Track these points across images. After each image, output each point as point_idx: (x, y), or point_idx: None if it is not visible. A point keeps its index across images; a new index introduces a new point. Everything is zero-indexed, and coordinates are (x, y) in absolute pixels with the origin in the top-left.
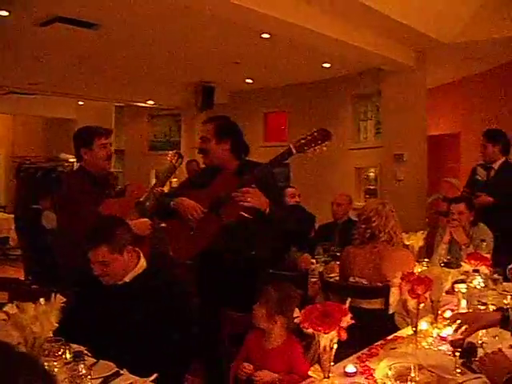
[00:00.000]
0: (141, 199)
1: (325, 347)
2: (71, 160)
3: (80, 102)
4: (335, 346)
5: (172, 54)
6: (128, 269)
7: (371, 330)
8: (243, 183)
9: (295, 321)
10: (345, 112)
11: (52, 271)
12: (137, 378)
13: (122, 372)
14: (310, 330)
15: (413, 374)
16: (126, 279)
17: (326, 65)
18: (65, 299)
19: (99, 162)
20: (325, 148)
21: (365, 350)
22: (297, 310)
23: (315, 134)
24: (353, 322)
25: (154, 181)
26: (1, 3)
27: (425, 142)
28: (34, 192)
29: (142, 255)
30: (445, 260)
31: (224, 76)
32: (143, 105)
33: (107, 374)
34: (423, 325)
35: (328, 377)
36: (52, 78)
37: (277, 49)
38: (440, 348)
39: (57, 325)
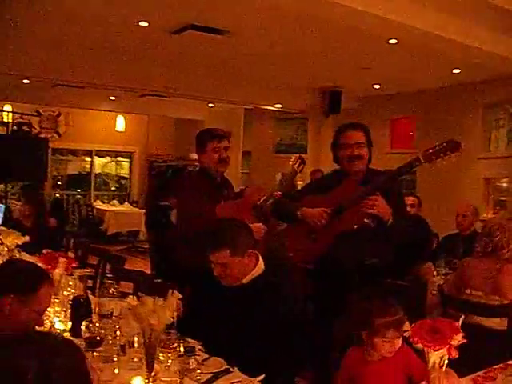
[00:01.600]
0: (258, 202)
1: (434, 364)
2: None
3: (210, 105)
4: (446, 363)
5: (300, 59)
6: (247, 271)
7: (489, 351)
8: (369, 190)
9: (405, 334)
10: (474, 119)
11: (176, 267)
12: (245, 376)
13: (232, 370)
14: (420, 346)
15: None
16: (244, 281)
17: (456, 70)
18: (181, 296)
19: (211, 164)
20: (454, 159)
21: (481, 373)
22: (407, 323)
23: (444, 144)
24: (464, 341)
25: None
26: (142, 14)
27: None
28: (164, 189)
29: (260, 258)
30: None
31: (351, 81)
32: (271, 108)
33: (217, 370)
34: None
35: None
36: (185, 81)
37: (404, 54)
38: None
39: (172, 319)
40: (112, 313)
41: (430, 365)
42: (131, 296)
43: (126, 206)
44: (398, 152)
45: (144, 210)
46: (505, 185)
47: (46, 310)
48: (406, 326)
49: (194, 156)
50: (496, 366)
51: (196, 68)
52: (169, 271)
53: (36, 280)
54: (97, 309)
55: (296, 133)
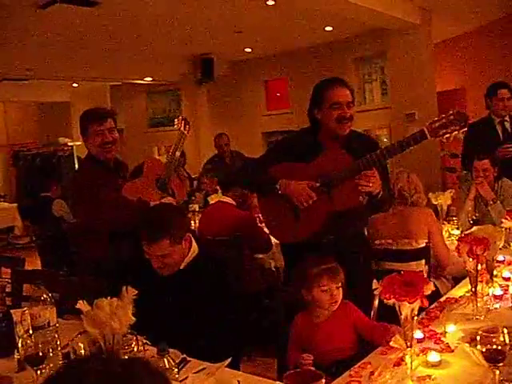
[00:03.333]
0: (160, 176)
1: (406, 317)
2: (70, 144)
3: (74, 85)
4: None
5: (169, 26)
6: (185, 256)
7: None
8: (364, 164)
9: (375, 292)
10: (348, 75)
11: (67, 258)
12: (208, 363)
13: (188, 359)
14: (392, 301)
15: (502, 338)
16: (182, 266)
17: (328, 28)
18: (136, 291)
19: (97, 149)
20: (461, 134)
21: (423, 314)
22: (375, 281)
23: (451, 116)
24: (434, 289)
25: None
26: None
27: (435, 100)
28: (40, 180)
29: (193, 239)
30: (473, 217)
31: (223, 47)
32: (141, 82)
33: (177, 361)
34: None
35: (411, 346)
36: (46, 62)
37: (280, 15)
38: (495, 306)
39: (134, 318)
40: (49, 322)
41: (403, 317)
42: (80, 301)
43: None
44: (275, 113)
45: (16, 204)
46: (385, 140)
47: None
48: (374, 283)
49: (64, 140)
50: (432, 306)
51: (58, 46)
52: (80, 266)
53: None
54: (28, 321)
55: (169, 105)
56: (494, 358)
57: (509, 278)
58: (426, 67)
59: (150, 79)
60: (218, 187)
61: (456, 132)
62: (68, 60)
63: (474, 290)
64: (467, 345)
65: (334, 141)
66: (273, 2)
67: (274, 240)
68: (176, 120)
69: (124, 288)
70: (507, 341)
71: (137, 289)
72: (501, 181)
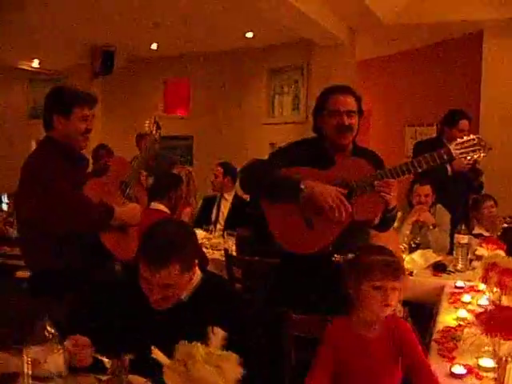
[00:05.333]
0: (126, 179)
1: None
2: None
3: None
4: None
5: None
6: (188, 286)
7: None
8: (391, 173)
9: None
10: (259, 85)
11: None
12: None
13: None
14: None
15: None
16: (183, 297)
17: (249, 34)
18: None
19: (76, 136)
20: (479, 159)
21: None
22: None
23: (473, 140)
24: None
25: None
26: None
27: None
28: None
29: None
30: (416, 241)
31: (127, 40)
32: (23, 67)
33: None
34: None
35: None
36: None
37: (197, 13)
38: None
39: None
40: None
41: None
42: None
43: None
44: (173, 117)
45: None
46: None
47: None
48: None
49: None
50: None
51: None
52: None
53: None
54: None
55: None
56: None
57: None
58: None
59: (36, 65)
60: None
61: (475, 157)
62: None
63: None
64: None
65: (340, 151)
66: None
67: None
68: (147, 121)
69: (209, 328)
70: None
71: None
72: (435, 206)
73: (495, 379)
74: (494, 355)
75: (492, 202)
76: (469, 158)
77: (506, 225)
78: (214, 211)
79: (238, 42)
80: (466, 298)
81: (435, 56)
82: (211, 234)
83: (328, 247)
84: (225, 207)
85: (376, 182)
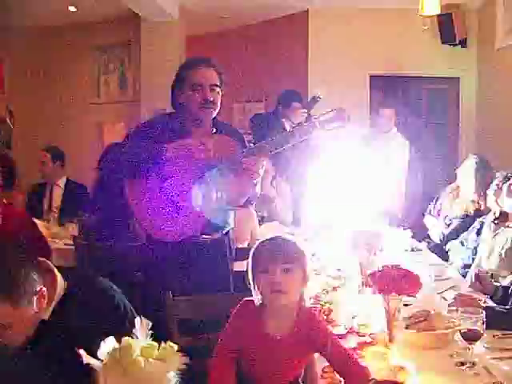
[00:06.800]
0: None
1: (394, 312)
2: None
3: None
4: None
5: None
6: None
7: None
8: (253, 151)
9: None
10: (83, 64)
11: None
12: None
13: None
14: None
15: None
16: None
17: (72, 8)
18: None
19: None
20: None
21: None
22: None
23: (334, 111)
24: None
25: None
26: None
27: None
28: None
29: (57, 274)
30: (263, 214)
31: None
32: None
33: None
34: None
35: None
36: None
37: None
38: None
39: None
40: None
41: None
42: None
43: None
44: None
45: None
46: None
47: None
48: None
49: None
50: None
51: None
52: None
53: None
54: None
55: None
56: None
57: None
58: (177, 62)
59: None
60: None
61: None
62: None
63: None
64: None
65: (199, 127)
66: None
67: None
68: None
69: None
70: None
71: None
72: (275, 180)
73: (370, 334)
74: (386, 311)
75: None
76: (331, 129)
77: None
78: (46, 200)
79: (60, 16)
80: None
81: (263, 34)
82: (48, 223)
83: (195, 229)
84: (57, 195)
85: (244, 160)
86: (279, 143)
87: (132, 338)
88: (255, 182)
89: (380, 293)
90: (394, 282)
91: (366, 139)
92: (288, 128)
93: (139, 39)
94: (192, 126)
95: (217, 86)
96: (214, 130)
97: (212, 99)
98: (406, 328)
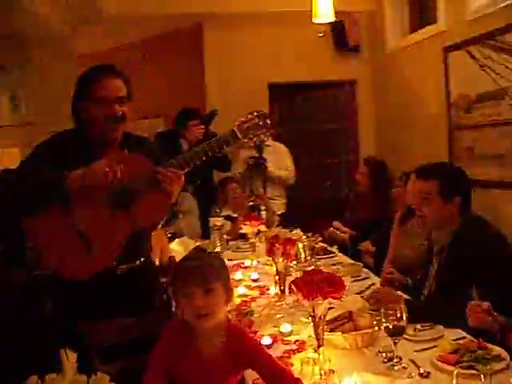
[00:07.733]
0: None
1: (321, 316)
2: None
3: None
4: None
5: None
6: None
7: None
8: (170, 165)
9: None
10: None
11: None
12: None
13: None
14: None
15: None
16: None
17: None
18: None
19: None
20: (266, 139)
21: None
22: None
23: (257, 118)
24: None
25: None
26: None
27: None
28: None
29: None
30: (170, 231)
31: None
32: None
33: None
34: None
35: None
36: None
37: None
38: None
39: None
40: None
41: (319, 316)
42: None
43: None
44: None
45: None
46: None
47: None
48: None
49: None
50: None
51: None
52: None
53: None
54: None
55: None
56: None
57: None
58: (68, 80)
59: None
60: None
61: (263, 135)
62: None
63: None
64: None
65: (106, 146)
66: None
67: None
68: None
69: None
70: None
71: None
72: (181, 194)
73: (296, 341)
74: (312, 316)
75: (234, 184)
76: (255, 138)
77: (252, 203)
78: None
79: None
80: (238, 275)
81: (158, 48)
82: None
83: (112, 263)
84: None
85: (159, 176)
86: (193, 158)
87: (57, 374)
88: (172, 200)
89: (305, 299)
90: (318, 286)
91: None
92: (186, 148)
93: (31, 58)
94: (99, 145)
95: (124, 97)
96: (124, 146)
97: (120, 114)
98: (332, 331)
